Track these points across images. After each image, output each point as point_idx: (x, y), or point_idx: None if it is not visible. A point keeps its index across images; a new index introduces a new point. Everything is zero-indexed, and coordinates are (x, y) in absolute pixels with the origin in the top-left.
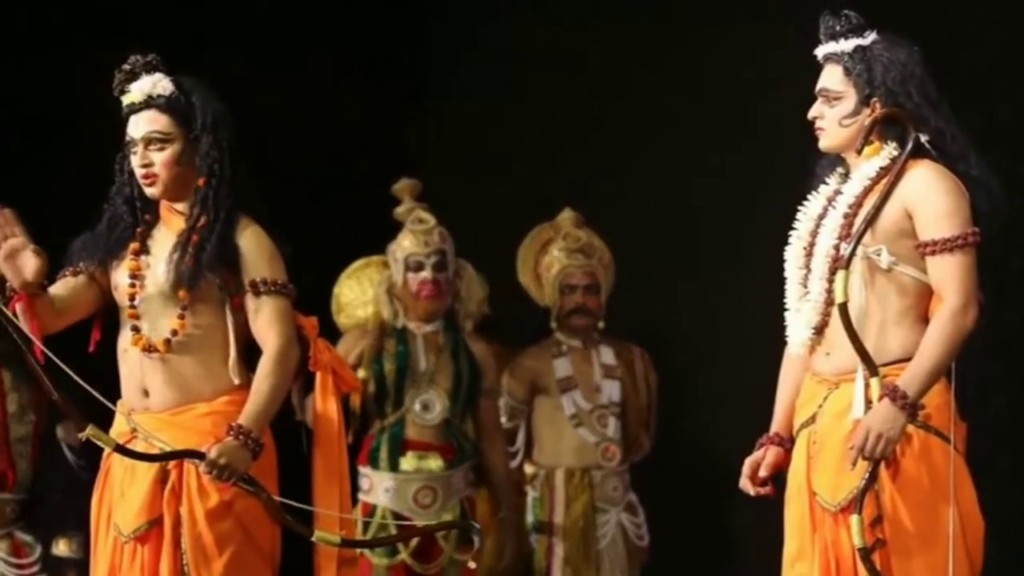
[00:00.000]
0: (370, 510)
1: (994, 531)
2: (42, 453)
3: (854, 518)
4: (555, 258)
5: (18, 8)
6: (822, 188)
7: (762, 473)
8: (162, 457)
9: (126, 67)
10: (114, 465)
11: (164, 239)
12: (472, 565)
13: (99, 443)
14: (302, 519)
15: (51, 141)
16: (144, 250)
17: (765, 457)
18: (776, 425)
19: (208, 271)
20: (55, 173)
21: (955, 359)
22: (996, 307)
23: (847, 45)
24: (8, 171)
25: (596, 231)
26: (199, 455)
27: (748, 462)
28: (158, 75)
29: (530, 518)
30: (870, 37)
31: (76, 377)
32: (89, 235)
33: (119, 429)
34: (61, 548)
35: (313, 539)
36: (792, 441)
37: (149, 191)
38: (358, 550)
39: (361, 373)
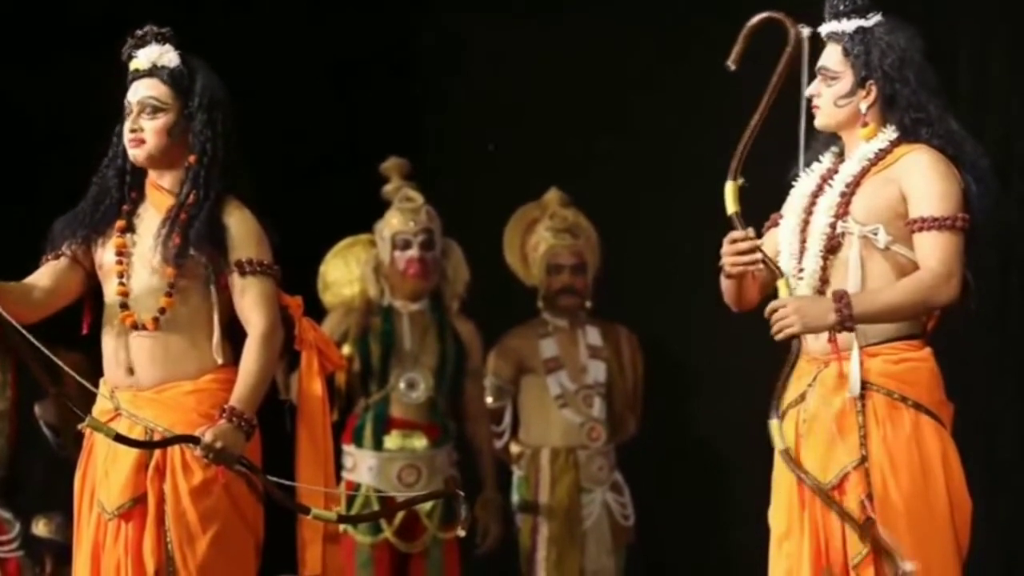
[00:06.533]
0: (353, 488)
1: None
2: (20, 430)
3: (773, 423)
4: (542, 238)
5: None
6: (815, 165)
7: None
8: (159, 444)
9: (138, 33)
10: (97, 443)
11: (150, 218)
12: (462, 533)
13: (99, 432)
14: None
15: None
16: (130, 228)
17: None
18: None
19: (195, 249)
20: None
21: (910, 316)
22: None
23: (848, 25)
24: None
25: (584, 211)
26: (194, 439)
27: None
28: (167, 46)
29: (515, 498)
30: (873, 19)
31: (59, 362)
32: (71, 214)
33: (101, 408)
34: (40, 528)
35: (310, 516)
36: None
37: (132, 152)
38: (341, 527)
39: (346, 350)
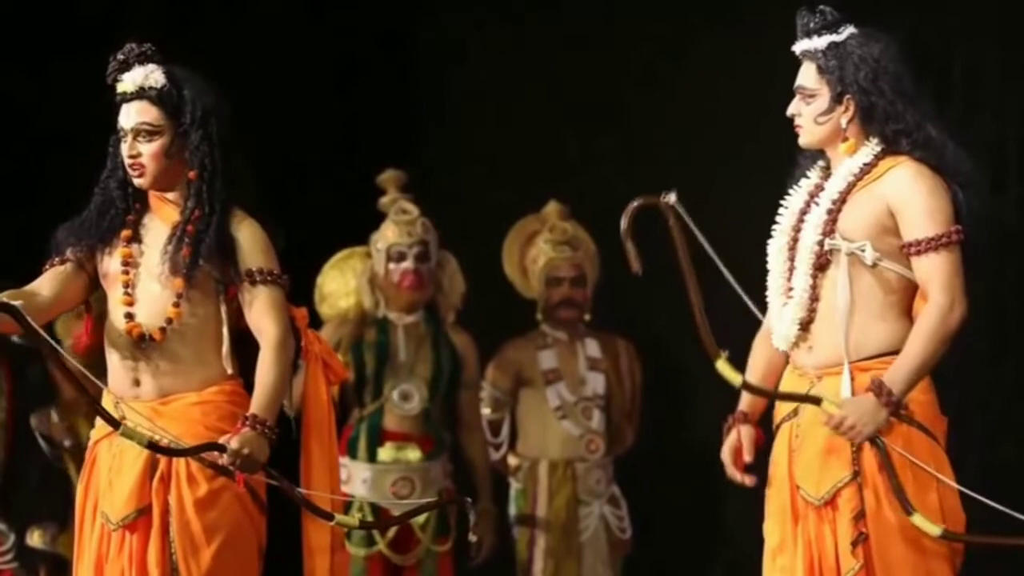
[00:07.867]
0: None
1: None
2: (16, 442)
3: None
4: (541, 250)
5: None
6: (803, 182)
7: (747, 458)
8: (189, 451)
9: (120, 56)
10: (101, 454)
11: (157, 228)
12: (473, 538)
13: (132, 440)
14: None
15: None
16: (136, 238)
17: (742, 440)
18: (743, 404)
19: (205, 261)
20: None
21: (941, 356)
22: None
23: (821, 42)
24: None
25: (583, 214)
26: (220, 447)
27: (727, 450)
28: (151, 66)
29: (513, 510)
30: (845, 33)
31: (80, 367)
32: (76, 221)
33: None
34: (35, 539)
35: (333, 523)
36: (758, 417)
37: (137, 181)
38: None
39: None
